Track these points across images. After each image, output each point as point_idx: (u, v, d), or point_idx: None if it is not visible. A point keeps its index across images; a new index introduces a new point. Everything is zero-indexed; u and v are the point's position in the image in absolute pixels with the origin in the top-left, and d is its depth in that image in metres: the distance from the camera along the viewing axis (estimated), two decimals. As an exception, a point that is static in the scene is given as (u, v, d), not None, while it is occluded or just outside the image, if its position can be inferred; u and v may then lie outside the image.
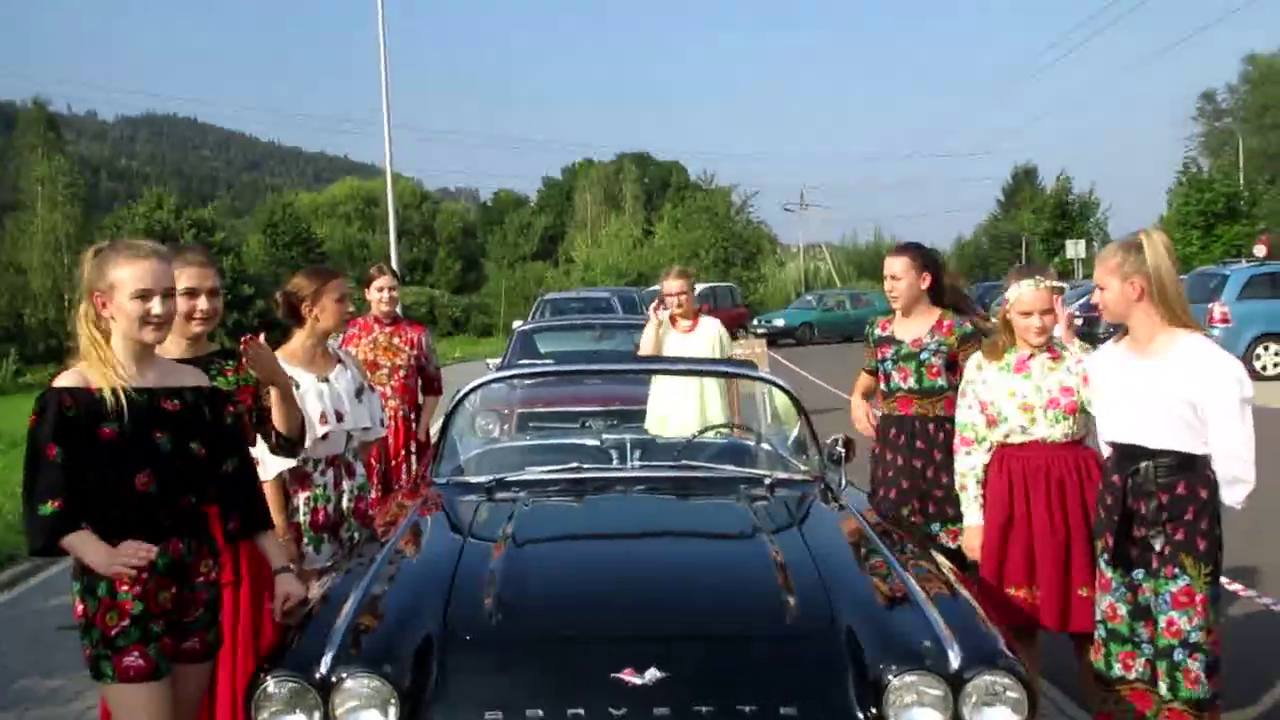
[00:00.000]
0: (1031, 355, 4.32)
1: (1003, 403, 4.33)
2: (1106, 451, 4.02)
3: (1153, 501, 3.73)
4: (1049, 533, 4.21)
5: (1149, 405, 3.74)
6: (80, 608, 3.13)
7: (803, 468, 5.07)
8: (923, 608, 3.30)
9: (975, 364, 4.50)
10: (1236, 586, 6.14)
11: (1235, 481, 3.70)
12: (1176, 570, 3.69)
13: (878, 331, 5.35)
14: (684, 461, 5.16)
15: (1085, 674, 4.41)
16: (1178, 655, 3.66)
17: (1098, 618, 3.97)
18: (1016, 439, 4.32)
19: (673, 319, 7.30)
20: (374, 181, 75.44)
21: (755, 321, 38.06)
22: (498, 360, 12.71)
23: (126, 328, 3.14)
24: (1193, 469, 3.71)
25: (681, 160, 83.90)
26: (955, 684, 2.99)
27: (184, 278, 3.67)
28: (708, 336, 7.29)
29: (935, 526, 5.07)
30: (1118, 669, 3.89)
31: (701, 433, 5.65)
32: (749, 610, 3.45)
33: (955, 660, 3.03)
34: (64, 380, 3.11)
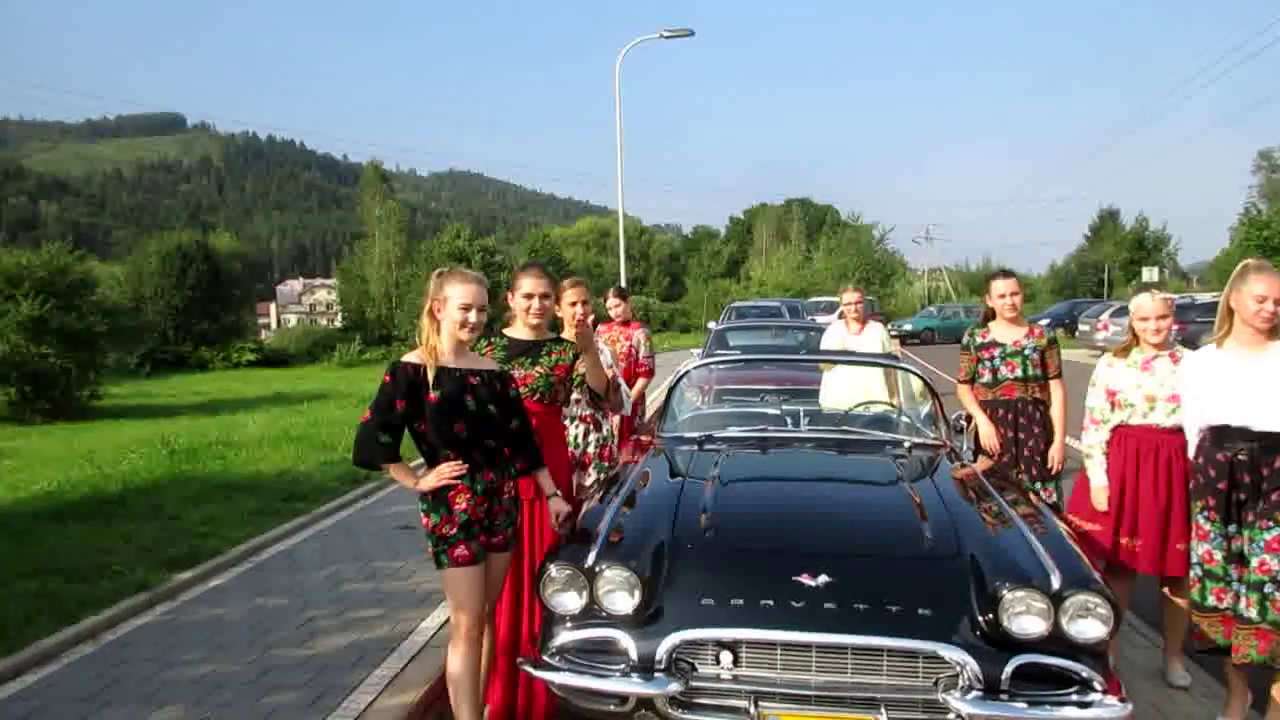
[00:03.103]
0: (1156, 357, 4.18)
1: (1129, 392, 4.19)
2: (1197, 435, 3.85)
3: (1256, 475, 3.61)
4: (1154, 497, 4.08)
5: (1265, 394, 3.60)
6: (425, 520, 3.36)
7: (932, 435, 4.97)
8: (1029, 540, 3.24)
9: (1106, 361, 4.32)
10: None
11: None
12: (1270, 524, 3.57)
13: (979, 339, 5.22)
14: (843, 427, 5.15)
15: (1166, 609, 4.28)
16: (1268, 589, 3.55)
17: (1194, 560, 3.82)
18: (1135, 421, 4.17)
19: (847, 322, 7.34)
20: (607, 219, 76.72)
21: (889, 327, 37.11)
22: (699, 350, 12.83)
23: (451, 327, 3.35)
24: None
25: (835, 203, 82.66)
26: (1056, 600, 2.94)
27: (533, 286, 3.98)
28: (874, 336, 7.31)
29: (1036, 485, 4.93)
30: (1211, 600, 3.75)
31: (855, 407, 5.60)
32: (894, 536, 3.43)
33: (1056, 582, 2.97)
34: (408, 358, 3.35)
